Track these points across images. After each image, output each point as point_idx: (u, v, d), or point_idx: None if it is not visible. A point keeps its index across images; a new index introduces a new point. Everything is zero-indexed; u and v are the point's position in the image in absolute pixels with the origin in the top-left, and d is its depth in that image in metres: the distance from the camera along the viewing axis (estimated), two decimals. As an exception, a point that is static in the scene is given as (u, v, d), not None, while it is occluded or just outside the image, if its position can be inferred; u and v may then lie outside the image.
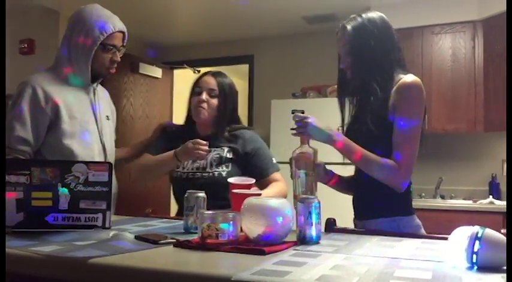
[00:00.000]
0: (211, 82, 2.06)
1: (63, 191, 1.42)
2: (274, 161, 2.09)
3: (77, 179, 1.44)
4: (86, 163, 1.47)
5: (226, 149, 2.02)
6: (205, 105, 2.03)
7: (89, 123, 2.03)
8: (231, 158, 2.00)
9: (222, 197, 1.73)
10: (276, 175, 2.03)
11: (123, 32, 2.04)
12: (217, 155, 2.00)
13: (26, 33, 4.16)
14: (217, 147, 2.02)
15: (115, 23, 1.99)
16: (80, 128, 1.98)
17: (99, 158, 2.03)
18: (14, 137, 1.85)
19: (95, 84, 2.08)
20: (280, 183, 1.99)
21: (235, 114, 2.14)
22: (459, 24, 3.93)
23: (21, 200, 1.40)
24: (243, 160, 2.01)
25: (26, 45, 4.15)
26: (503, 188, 3.90)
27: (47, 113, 1.90)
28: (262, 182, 1.97)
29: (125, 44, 2.07)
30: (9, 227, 1.37)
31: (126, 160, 2.37)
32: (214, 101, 2.04)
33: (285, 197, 1.84)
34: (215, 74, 2.09)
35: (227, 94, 2.06)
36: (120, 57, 2.05)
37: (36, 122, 1.89)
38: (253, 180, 1.70)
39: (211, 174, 1.96)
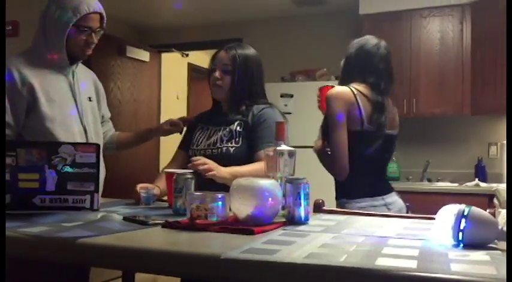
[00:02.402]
0: (225, 57, 1.96)
1: (50, 172, 1.41)
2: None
3: (64, 160, 1.42)
4: (73, 144, 1.45)
5: (236, 123, 1.92)
6: (219, 82, 1.95)
7: (68, 106, 2.00)
8: (240, 132, 1.90)
9: None
10: (262, 154, 1.77)
11: (100, 13, 1.97)
12: (227, 130, 1.92)
13: (10, 15, 4.08)
14: (232, 124, 1.93)
15: (90, 4, 1.92)
16: (60, 111, 1.96)
17: (80, 140, 2.01)
18: None
19: (74, 66, 2.05)
20: (260, 164, 1.79)
21: (256, 88, 2.00)
22: (448, 8, 3.93)
23: (7, 182, 1.38)
24: (250, 133, 1.90)
25: (10, 27, 4.08)
26: (488, 170, 3.95)
27: (24, 95, 1.88)
28: (254, 159, 1.87)
29: (104, 25, 2.02)
30: (-5, 209, 1.36)
31: (125, 146, 2.32)
32: (228, 78, 1.94)
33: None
34: (230, 48, 1.98)
35: (241, 68, 1.94)
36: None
37: (14, 105, 1.87)
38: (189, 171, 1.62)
39: (219, 150, 1.89)
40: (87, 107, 2.09)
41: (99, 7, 1.97)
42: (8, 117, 1.85)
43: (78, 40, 1.95)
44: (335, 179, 1.99)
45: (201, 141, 1.97)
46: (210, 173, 1.67)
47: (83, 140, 2.02)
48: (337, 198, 2.00)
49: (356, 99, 1.94)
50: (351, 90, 1.96)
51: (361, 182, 1.94)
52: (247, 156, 1.86)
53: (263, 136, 1.86)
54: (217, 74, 1.95)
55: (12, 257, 1.19)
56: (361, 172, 1.92)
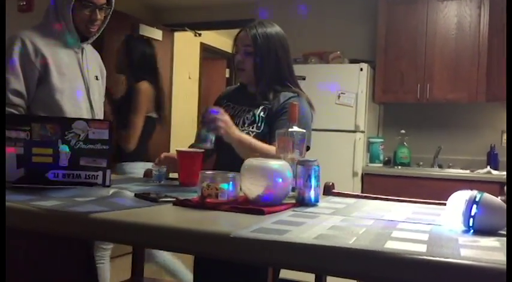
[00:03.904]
0: (246, 38, 1.86)
1: (64, 148, 1.42)
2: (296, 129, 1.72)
3: (77, 136, 1.43)
4: (87, 120, 1.46)
5: (261, 107, 1.86)
6: (242, 66, 1.88)
7: (76, 81, 2.02)
8: (263, 117, 1.84)
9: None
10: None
11: None
12: (251, 114, 1.86)
13: (24, -10, 4.08)
14: (257, 108, 1.87)
15: None
16: (69, 85, 1.98)
17: (87, 116, 2.03)
18: (9, 90, 1.84)
19: (84, 44, 2.06)
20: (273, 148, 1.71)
21: (283, 70, 1.89)
22: (466, -8, 3.86)
23: (21, 156, 1.40)
24: (272, 121, 1.83)
25: (24, 2, 4.09)
26: (501, 158, 3.92)
27: (36, 66, 1.90)
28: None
29: (112, 3, 2.01)
30: (9, 182, 1.38)
31: None
32: (250, 60, 1.86)
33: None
34: (251, 27, 1.87)
35: (263, 49, 1.84)
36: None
37: (26, 76, 1.89)
38: (200, 151, 1.66)
39: None
40: (94, 85, 2.11)
41: None
42: (22, 87, 1.87)
43: (82, 15, 1.96)
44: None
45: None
46: (222, 131, 1.64)
47: (89, 116, 2.04)
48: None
49: None
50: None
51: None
52: (266, 142, 1.78)
53: (283, 127, 1.70)
54: (239, 56, 1.88)
55: (24, 229, 1.21)
56: None
